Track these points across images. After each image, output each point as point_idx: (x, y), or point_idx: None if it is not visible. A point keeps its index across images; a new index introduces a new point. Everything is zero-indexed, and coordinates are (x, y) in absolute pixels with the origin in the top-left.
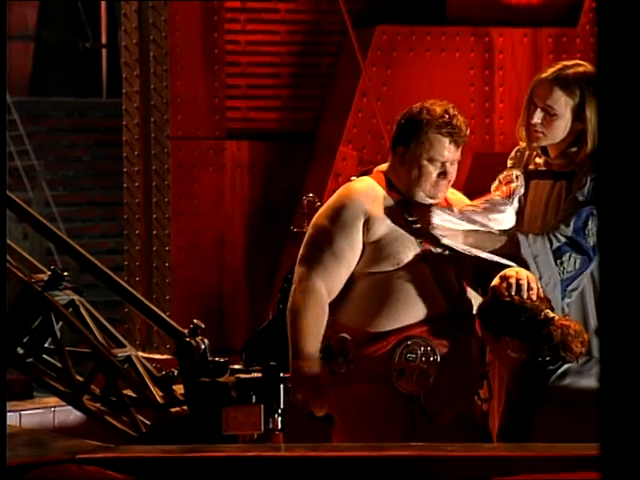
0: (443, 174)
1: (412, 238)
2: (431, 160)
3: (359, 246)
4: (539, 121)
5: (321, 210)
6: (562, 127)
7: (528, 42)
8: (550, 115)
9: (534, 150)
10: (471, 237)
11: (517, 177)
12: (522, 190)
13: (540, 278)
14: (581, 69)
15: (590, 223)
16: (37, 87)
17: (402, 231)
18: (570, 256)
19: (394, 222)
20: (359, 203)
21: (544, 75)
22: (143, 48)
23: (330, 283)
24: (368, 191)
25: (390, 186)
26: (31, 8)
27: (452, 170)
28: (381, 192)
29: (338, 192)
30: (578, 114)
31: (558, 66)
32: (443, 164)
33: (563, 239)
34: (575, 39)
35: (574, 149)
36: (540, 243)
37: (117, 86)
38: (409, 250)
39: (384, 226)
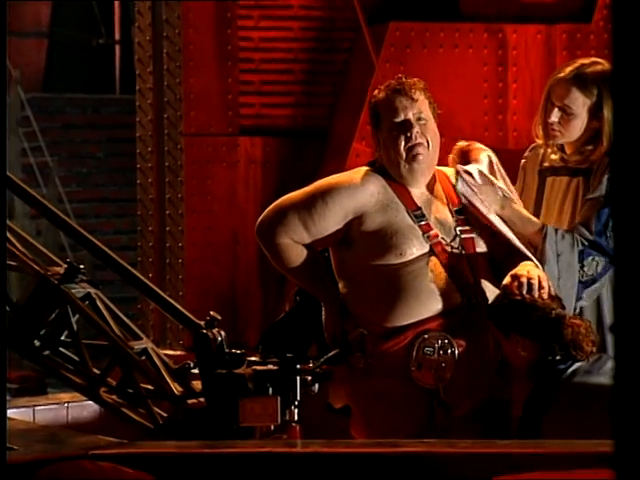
0: (408, 132)
1: (417, 231)
2: (392, 125)
3: (329, 233)
4: (556, 120)
5: (325, 181)
6: (579, 126)
7: (542, 38)
8: (567, 114)
9: (550, 147)
10: (507, 209)
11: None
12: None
13: (559, 278)
14: (599, 68)
15: (611, 224)
16: (51, 84)
17: (404, 224)
18: (593, 259)
19: (395, 215)
20: (353, 198)
21: (562, 74)
22: (156, 45)
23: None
24: (369, 185)
25: (389, 177)
26: (45, 5)
27: (421, 131)
28: (384, 184)
29: (346, 174)
30: (595, 113)
31: (576, 65)
32: (407, 125)
33: (586, 242)
34: (589, 35)
35: (590, 147)
36: (568, 242)
37: (130, 82)
38: (411, 242)
39: (382, 219)
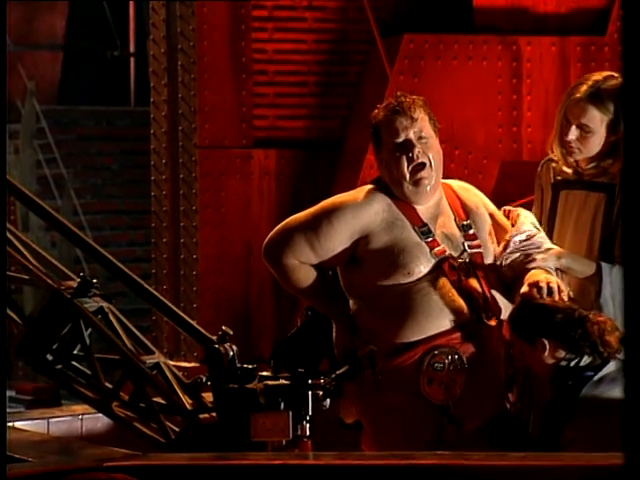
0: (410, 153)
1: (424, 248)
2: (394, 146)
3: (336, 253)
4: (574, 138)
5: (330, 201)
6: (597, 142)
7: (556, 50)
8: (585, 132)
9: (569, 163)
10: (564, 258)
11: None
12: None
13: (616, 318)
14: (614, 82)
15: None
16: (66, 96)
17: (410, 242)
18: None
19: (401, 233)
20: (358, 218)
21: (578, 95)
22: (171, 57)
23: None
24: (374, 203)
25: (394, 194)
26: (60, 17)
27: (423, 150)
28: (388, 202)
29: (351, 194)
30: (613, 128)
31: (590, 83)
32: (408, 146)
33: None
34: (603, 47)
35: (609, 161)
36: (620, 279)
37: (145, 95)
38: (419, 260)
39: (388, 237)
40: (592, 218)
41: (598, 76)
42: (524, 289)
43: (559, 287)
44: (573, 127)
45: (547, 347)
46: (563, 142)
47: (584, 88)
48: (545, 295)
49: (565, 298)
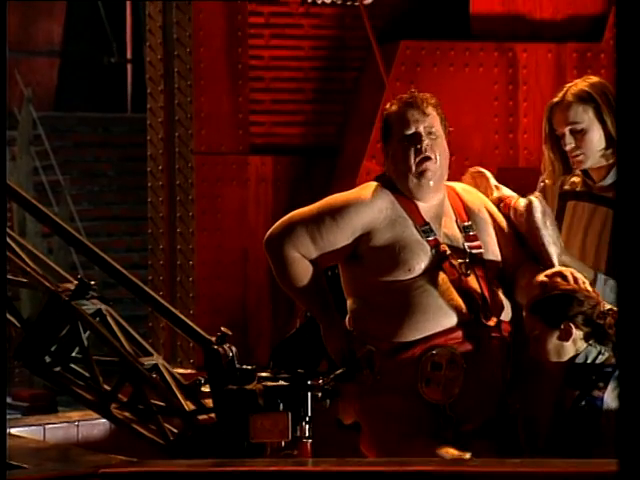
0: (418, 145)
1: (425, 246)
2: (403, 137)
3: (336, 248)
4: (573, 144)
5: (334, 198)
6: (596, 137)
7: (552, 57)
8: (579, 132)
9: (571, 182)
10: (564, 257)
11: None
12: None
13: None
14: (584, 82)
15: None
16: (62, 102)
17: (412, 240)
18: None
19: (403, 231)
20: (361, 215)
21: (555, 100)
22: (167, 64)
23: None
24: (378, 200)
25: (397, 191)
26: (57, 24)
27: (431, 145)
28: (392, 199)
29: (355, 191)
30: (602, 119)
31: (562, 90)
32: (417, 137)
33: None
34: (600, 54)
35: (609, 151)
36: (613, 291)
37: (142, 101)
38: (419, 258)
39: (390, 235)
40: (599, 233)
41: (568, 84)
42: (542, 278)
43: (582, 278)
44: (567, 134)
45: (573, 333)
46: (565, 158)
47: (560, 95)
48: (572, 282)
49: (589, 288)
